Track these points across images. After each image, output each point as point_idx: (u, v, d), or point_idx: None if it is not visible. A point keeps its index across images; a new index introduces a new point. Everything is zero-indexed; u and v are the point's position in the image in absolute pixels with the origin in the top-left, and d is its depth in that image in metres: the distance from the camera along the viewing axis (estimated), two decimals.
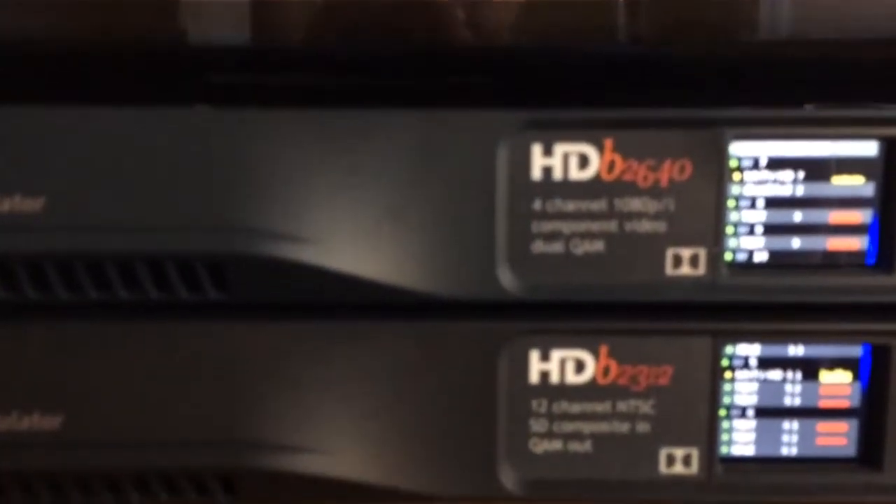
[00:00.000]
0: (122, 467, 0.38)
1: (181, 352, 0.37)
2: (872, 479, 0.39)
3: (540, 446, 0.39)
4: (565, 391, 0.38)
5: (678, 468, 0.39)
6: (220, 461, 0.38)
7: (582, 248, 0.37)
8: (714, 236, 0.37)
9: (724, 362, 0.39)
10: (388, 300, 0.37)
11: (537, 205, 0.37)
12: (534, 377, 0.38)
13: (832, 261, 0.38)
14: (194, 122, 0.35)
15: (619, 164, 0.36)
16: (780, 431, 0.39)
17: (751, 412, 0.39)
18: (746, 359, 0.39)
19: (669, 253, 0.37)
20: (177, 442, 0.38)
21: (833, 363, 0.39)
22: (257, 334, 0.37)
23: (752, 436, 0.39)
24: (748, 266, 0.38)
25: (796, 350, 0.39)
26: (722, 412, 0.39)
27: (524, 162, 0.36)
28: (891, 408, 0.38)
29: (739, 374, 0.39)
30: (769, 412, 0.39)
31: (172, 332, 0.37)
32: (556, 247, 0.37)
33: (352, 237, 0.36)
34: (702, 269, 0.37)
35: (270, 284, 0.36)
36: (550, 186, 0.37)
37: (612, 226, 0.37)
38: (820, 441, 0.39)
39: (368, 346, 0.37)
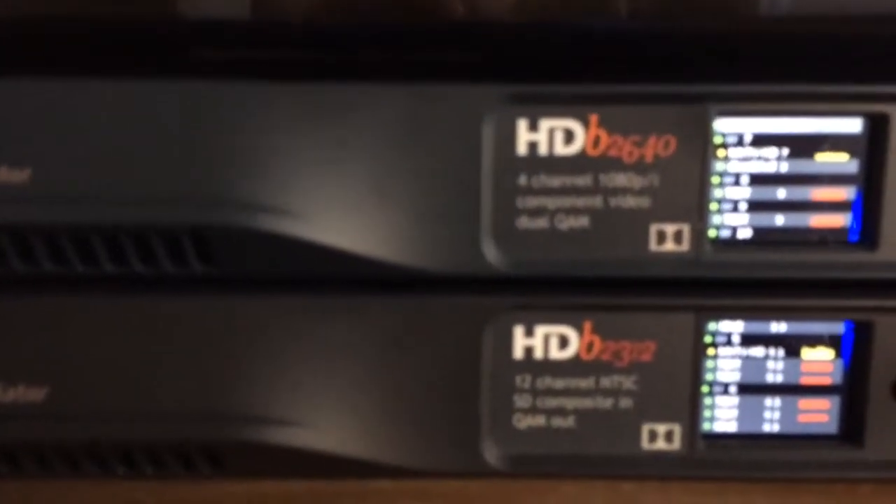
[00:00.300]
0: (108, 440, 0.38)
1: (167, 325, 0.37)
2: (854, 455, 0.39)
3: (523, 422, 0.39)
4: (549, 367, 0.39)
5: (660, 444, 0.39)
6: (206, 435, 0.38)
7: (567, 223, 0.37)
8: (698, 213, 0.37)
9: (708, 339, 0.39)
10: (373, 274, 0.37)
11: (522, 180, 0.37)
12: (518, 353, 0.39)
13: (816, 238, 0.38)
14: (181, 94, 0.35)
15: (605, 139, 0.36)
16: (763, 408, 0.40)
17: (733, 389, 0.39)
18: (729, 335, 0.39)
19: (653, 229, 0.37)
20: (162, 415, 0.38)
21: (815, 340, 0.39)
22: (243, 308, 0.37)
23: (735, 412, 0.40)
24: (732, 242, 0.38)
25: (779, 327, 0.39)
26: (705, 388, 0.39)
27: (510, 137, 0.36)
28: (872, 385, 0.38)
29: (722, 350, 0.39)
30: (752, 389, 0.39)
31: (158, 306, 0.37)
32: (541, 222, 0.37)
33: (337, 211, 0.36)
34: (685, 246, 0.37)
35: (256, 258, 0.36)
36: (536, 162, 0.37)
37: (596, 201, 0.37)
38: (802, 418, 0.40)
39: (353, 320, 0.37)
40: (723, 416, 0.40)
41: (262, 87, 0.35)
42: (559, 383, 0.39)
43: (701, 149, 0.36)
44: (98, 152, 0.36)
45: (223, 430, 0.38)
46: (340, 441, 0.38)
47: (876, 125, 0.36)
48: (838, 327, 0.39)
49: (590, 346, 0.39)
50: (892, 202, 0.36)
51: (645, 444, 0.39)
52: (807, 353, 0.39)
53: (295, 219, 0.36)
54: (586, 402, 0.39)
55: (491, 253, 0.37)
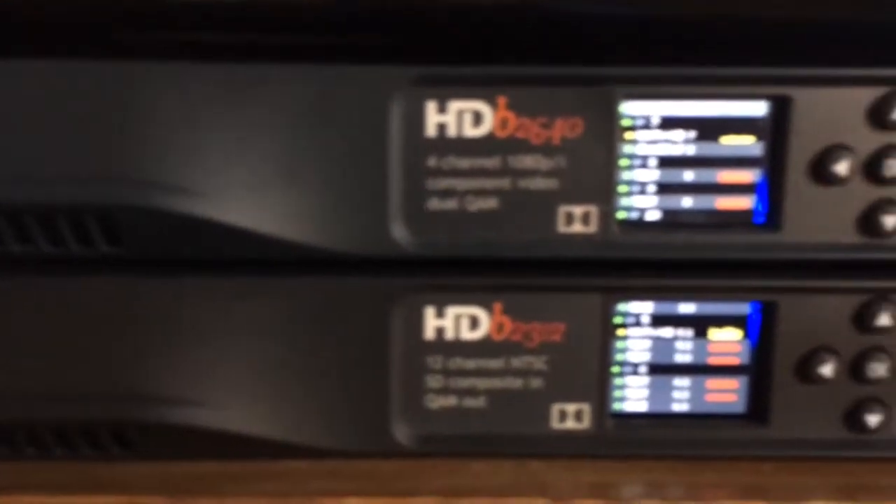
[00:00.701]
0: (15, 421, 0.38)
1: (74, 306, 0.37)
2: (760, 434, 0.40)
3: (435, 402, 0.39)
4: (460, 347, 0.39)
5: (570, 423, 0.40)
6: (114, 416, 0.38)
7: (476, 205, 0.37)
8: (606, 194, 0.37)
9: (617, 319, 0.39)
10: (282, 255, 0.37)
11: (432, 162, 0.37)
12: (429, 333, 0.39)
13: (722, 219, 0.38)
14: (87, 74, 0.35)
15: (513, 121, 0.37)
16: (672, 388, 0.40)
17: (643, 369, 0.40)
18: (638, 316, 0.40)
19: (561, 210, 0.38)
20: (71, 396, 0.38)
21: (723, 321, 0.40)
22: (151, 289, 0.37)
23: (645, 392, 0.40)
24: (640, 224, 0.38)
25: (687, 308, 0.39)
26: (615, 369, 0.40)
27: (418, 119, 0.37)
28: (777, 365, 0.39)
29: (632, 331, 0.40)
30: (661, 369, 0.40)
31: (65, 287, 0.37)
32: (451, 204, 0.37)
33: (245, 192, 0.36)
34: (593, 227, 0.38)
35: (164, 239, 0.36)
36: (444, 143, 0.37)
37: (505, 183, 0.37)
38: (710, 397, 0.40)
39: (263, 301, 0.38)
40: (632, 395, 0.40)
41: (169, 68, 0.35)
42: (470, 364, 0.39)
43: (608, 131, 0.37)
44: (4, 135, 0.36)
45: (132, 411, 0.38)
46: (251, 422, 0.38)
47: (779, 108, 0.37)
48: (745, 308, 0.39)
49: (500, 327, 0.39)
50: (794, 184, 0.37)
51: (555, 423, 0.40)
52: (714, 333, 0.40)
53: (202, 200, 0.36)
54: (497, 383, 0.39)
55: (400, 234, 0.37)
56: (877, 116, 0.36)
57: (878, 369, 0.39)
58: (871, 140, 0.37)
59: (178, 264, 0.37)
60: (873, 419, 0.39)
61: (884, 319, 0.38)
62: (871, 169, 0.37)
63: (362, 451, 0.39)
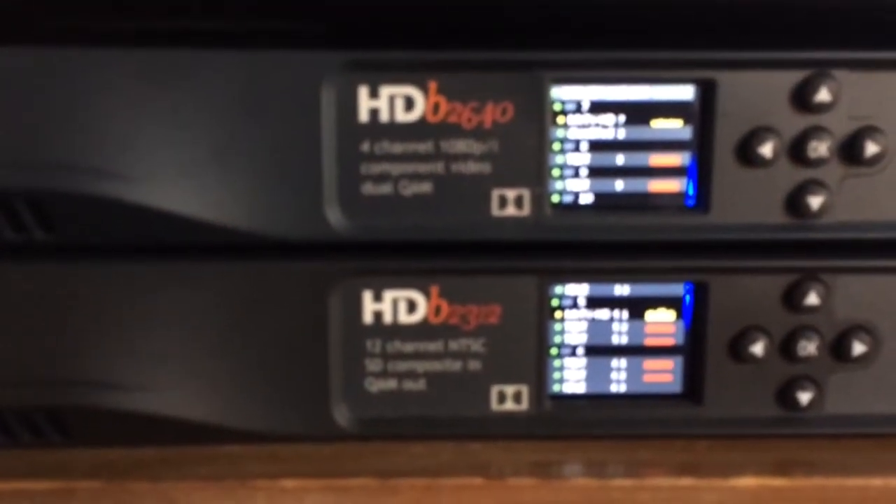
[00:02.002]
0: None
1: (8, 293, 0.37)
2: (695, 412, 0.40)
3: (375, 385, 0.40)
4: (398, 331, 0.39)
5: (509, 405, 0.40)
6: (50, 401, 0.38)
7: (410, 189, 0.38)
8: (538, 178, 0.38)
9: (554, 302, 0.40)
10: (217, 240, 0.37)
11: (365, 147, 0.37)
12: (367, 317, 0.39)
13: (654, 202, 0.39)
14: (15, 60, 0.35)
15: (444, 106, 0.37)
16: (609, 369, 0.41)
17: (581, 350, 0.41)
18: (575, 299, 0.40)
19: (495, 194, 0.38)
20: (6, 382, 0.38)
21: (657, 302, 0.40)
22: (85, 275, 0.37)
23: (583, 373, 0.41)
24: (573, 207, 0.39)
25: (622, 290, 0.40)
26: (552, 351, 0.40)
27: (351, 104, 0.37)
28: (709, 344, 0.40)
29: (568, 313, 0.40)
30: (598, 350, 0.41)
31: (1, 273, 0.37)
32: (385, 188, 0.38)
33: (177, 176, 0.36)
34: (527, 210, 0.38)
35: (97, 225, 0.37)
36: (377, 128, 0.37)
37: (438, 167, 0.38)
38: (647, 378, 0.41)
39: (197, 286, 0.38)
40: (571, 377, 0.41)
41: (99, 53, 0.35)
42: (409, 347, 0.40)
43: (539, 116, 0.37)
44: None
45: (68, 397, 0.38)
46: (188, 406, 0.39)
47: (705, 91, 0.37)
48: (679, 289, 0.40)
49: (437, 310, 0.39)
50: (721, 167, 0.38)
51: (494, 405, 0.40)
52: (650, 314, 0.40)
53: (136, 185, 0.36)
54: (436, 365, 0.40)
55: (335, 219, 0.38)
56: (800, 99, 0.37)
57: (808, 347, 0.39)
58: (795, 122, 0.37)
59: (113, 250, 0.37)
60: (804, 397, 0.40)
61: (812, 299, 0.39)
62: (795, 151, 0.37)
63: (303, 434, 0.40)
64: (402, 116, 0.37)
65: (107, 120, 0.36)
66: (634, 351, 0.41)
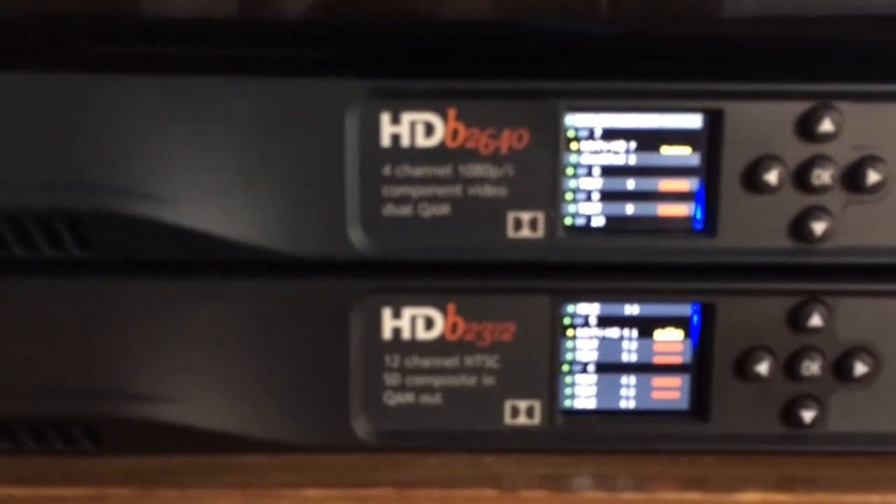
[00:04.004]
0: None
1: (46, 306, 0.39)
2: (701, 429, 0.42)
3: (393, 399, 0.41)
4: (416, 347, 0.41)
5: (522, 419, 0.42)
6: (83, 411, 0.40)
7: (429, 211, 0.39)
8: (552, 201, 0.39)
9: (566, 321, 0.41)
10: (244, 258, 0.39)
11: (387, 170, 0.39)
12: (386, 333, 0.41)
13: (663, 225, 0.40)
14: (58, 86, 0.37)
15: (463, 132, 0.39)
16: (619, 386, 0.42)
17: (591, 367, 0.42)
18: (586, 317, 0.42)
19: (510, 216, 0.40)
20: (42, 392, 0.40)
21: (666, 322, 0.42)
22: (119, 290, 0.39)
23: (593, 390, 0.42)
24: (585, 230, 0.40)
25: (632, 309, 0.41)
26: (564, 367, 0.42)
27: (374, 129, 0.39)
28: (716, 363, 0.41)
29: (580, 331, 0.42)
30: (608, 367, 0.42)
31: (38, 289, 0.39)
32: (405, 210, 0.39)
33: (208, 197, 0.38)
34: (541, 232, 0.40)
35: (131, 242, 0.38)
36: (399, 153, 0.39)
37: (456, 190, 0.39)
38: (655, 395, 0.42)
39: (227, 302, 0.39)
40: (581, 393, 0.42)
41: (135, 80, 0.37)
42: (426, 362, 0.41)
43: (553, 142, 0.39)
44: None
45: (101, 408, 0.40)
46: (215, 417, 0.40)
47: (713, 120, 0.39)
48: (686, 309, 0.41)
49: (454, 327, 0.41)
50: (728, 192, 0.39)
51: (507, 419, 0.42)
52: (658, 334, 0.42)
53: (168, 205, 0.38)
54: (452, 380, 0.41)
55: (358, 238, 0.39)
56: (804, 129, 0.38)
57: (812, 367, 0.41)
58: (799, 151, 0.39)
59: (146, 267, 0.39)
60: (808, 415, 0.41)
61: (816, 320, 0.40)
62: (799, 178, 0.39)
63: (324, 445, 0.41)
64: (422, 142, 0.39)
65: (141, 144, 0.38)
66: (643, 368, 0.42)
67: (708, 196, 0.40)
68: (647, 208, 0.40)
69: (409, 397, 0.41)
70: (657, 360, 0.42)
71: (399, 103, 0.38)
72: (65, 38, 0.37)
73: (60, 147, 0.37)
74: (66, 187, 0.38)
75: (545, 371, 0.41)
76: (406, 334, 0.41)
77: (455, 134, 0.39)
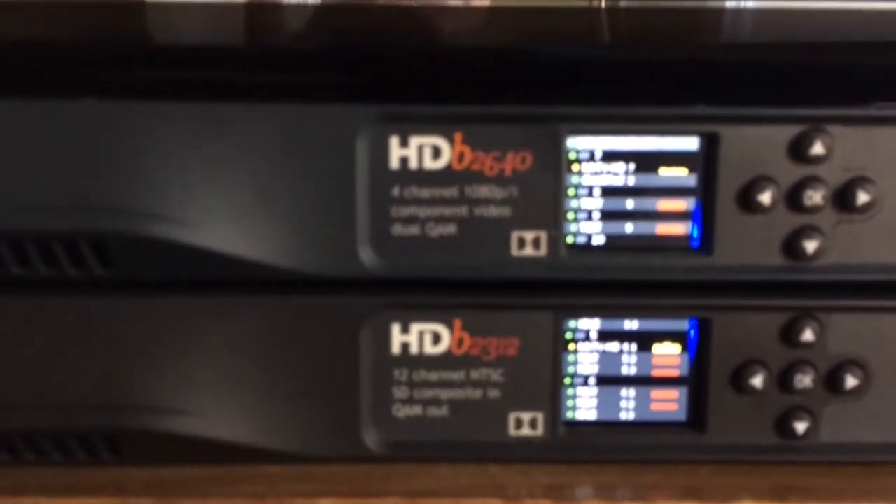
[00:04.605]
0: (15, 429, 0.41)
1: (70, 323, 0.41)
2: (698, 440, 0.43)
3: (401, 411, 0.43)
4: (424, 361, 0.42)
5: (525, 430, 0.43)
6: (106, 424, 0.41)
7: (436, 230, 0.41)
8: (554, 221, 0.41)
9: (568, 335, 0.43)
10: (259, 277, 0.40)
11: (396, 191, 0.41)
12: (395, 348, 0.42)
13: (661, 244, 0.42)
14: (81, 112, 0.39)
15: (468, 155, 0.40)
16: (619, 398, 0.44)
17: (592, 380, 0.44)
18: (587, 332, 0.43)
19: (514, 235, 0.41)
20: (66, 406, 0.41)
21: (664, 336, 0.43)
22: (140, 308, 0.41)
23: (594, 402, 0.44)
24: (586, 248, 0.42)
25: (631, 324, 0.43)
26: (566, 380, 0.43)
27: (383, 152, 0.40)
28: (712, 376, 0.42)
29: (581, 346, 0.43)
30: (608, 381, 0.44)
31: (62, 306, 0.40)
32: (413, 229, 0.41)
33: (225, 219, 0.40)
34: (543, 251, 0.41)
35: (151, 262, 0.40)
36: (407, 175, 0.40)
37: (462, 211, 0.41)
38: (654, 407, 0.44)
39: (243, 319, 0.41)
40: (583, 405, 0.44)
41: (154, 107, 0.39)
42: (433, 376, 0.43)
43: (555, 164, 0.40)
44: (3, 165, 0.39)
45: (123, 421, 0.41)
46: (232, 429, 0.42)
47: (710, 143, 0.40)
48: (684, 324, 0.43)
49: (460, 342, 0.42)
50: (724, 212, 0.41)
51: (512, 430, 0.43)
52: (657, 348, 0.43)
53: (187, 226, 0.40)
54: (458, 393, 0.43)
55: (368, 257, 0.41)
56: (797, 151, 0.40)
57: (804, 380, 0.42)
58: (792, 172, 0.40)
59: (166, 285, 0.41)
60: (801, 426, 0.43)
61: (808, 335, 0.42)
62: (792, 198, 0.40)
63: (335, 456, 0.43)
64: (429, 164, 0.40)
65: (161, 168, 0.39)
66: (642, 381, 0.44)
67: (704, 215, 0.41)
68: (645, 227, 0.42)
69: (417, 409, 0.43)
70: (656, 373, 0.43)
71: (407, 127, 0.40)
72: (90, 66, 0.39)
73: (83, 171, 0.39)
74: (90, 210, 0.39)
75: (548, 384, 0.43)
76: (414, 349, 0.42)
77: (461, 157, 0.40)
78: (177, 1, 0.38)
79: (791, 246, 0.41)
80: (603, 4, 0.39)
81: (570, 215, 0.42)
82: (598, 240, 0.42)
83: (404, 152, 0.40)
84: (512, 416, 0.43)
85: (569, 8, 0.39)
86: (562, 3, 0.39)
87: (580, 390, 0.43)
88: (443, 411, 0.43)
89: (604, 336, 0.43)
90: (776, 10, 0.39)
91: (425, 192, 0.41)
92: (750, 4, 0.39)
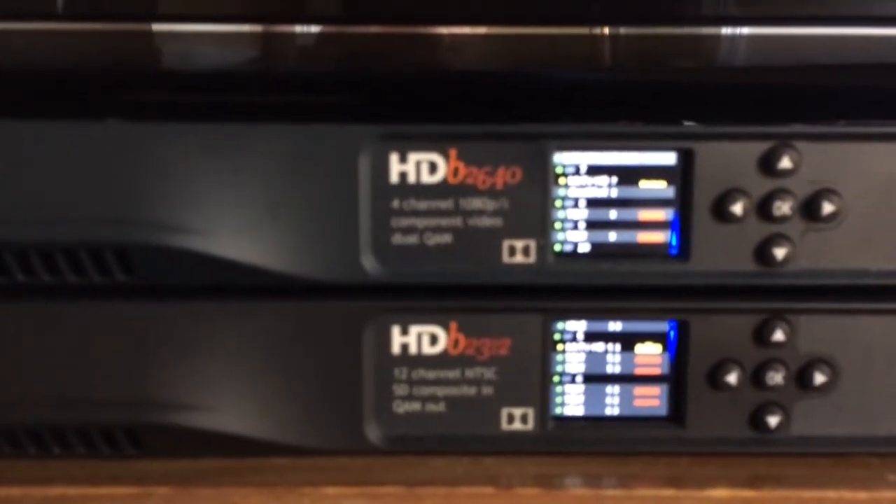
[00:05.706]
0: (44, 423, 0.44)
1: (95, 326, 0.43)
2: (678, 433, 0.45)
3: (401, 407, 0.45)
4: (422, 360, 0.45)
5: (517, 425, 0.45)
6: (128, 418, 0.44)
7: (433, 239, 0.44)
8: (542, 230, 0.43)
9: (556, 336, 0.45)
10: (270, 283, 0.43)
11: (395, 204, 0.43)
12: (395, 349, 0.45)
13: (642, 251, 0.44)
14: (106, 133, 0.42)
15: (462, 170, 0.43)
16: (604, 394, 0.46)
17: (579, 378, 0.46)
18: (574, 333, 0.45)
19: (505, 244, 0.44)
20: (91, 402, 0.44)
21: (646, 337, 0.45)
22: (160, 312, 0.43)
23: (581, 398, 0.46)
24: (573, 255, 0.44)
25: (615, 326, 0.45)
26: (555, 378, 0.46)
27: (383, 168, 0.43)
28: (691, 374, 0.45)
29: (569, 346, 0.46)
30: (594, 378, 0.46)
31: (88, 310, 0.43)
32: (412, 239, 0.44)
33: (239, 230, 0.42)
34: (533, 258, 0.44)
35: (170, 269, 0.43)
36: (406, 188, 0.43)
37: (457, 221, 0.43)
38: (637, 402, 0.46)
39: (253, 321, 0.44)
40: (570, 401, 0.46)
41: (173, 127, 0.42)
42: (431, 374, 0.45)
43: (543, 177, 0.43)
44: (36, 181, 0.42)
45: (143, 416, 0.44)
46: (245, 424, 0.44)
47: (686, 158, 0.43)
48: (664, 326, 0.45)
49: (456, 343, 0.45)
50: (700, 222, 0.43)
51: (504, 425, 0.45)
52: (639, 348, 0.46)
53: (202, 237, 0.42)
54: (454, 391, 0.45)
55: (370, 265, 0.44)
56: (766, 165, 0.42)
57: (776, 378, 0.44)
58: (762, 185, 0.42)
59: (183, 291, 0.43)
60: (773, 420, 0.45)
61: (779, 335, 0.44)
62: (762, 209, 0.43)
63: (340, 449, 0.45)
64: (426, 178, 0.43)
65: (179, 183, 0.42)
66: (626, 379, 0.46)
67: (682, 225, 0.44)
68: (627, 236, 0.44)
69: (415, 406, 0.45)
70: (638, 371, 0.46)
71: (406, 145, 0.43)
72: (112, 88, 0.42)
73: (107, 187, 0.42)
74: (114, 222, 0.42)
75: (538, 381, 0.45)
76: (413, 349, 0.45)
77: (456, 171, 0.43)
78: (191, 30, 0.41)
79: (762, 253, 0.43)
80: (607, 31, 0.42)
81: (558, 225, 0.44)
82: (584, 248, 0.44)
83: (403, 168, 0.43)
84: (504, 412, 0.45)
85: (559, 35, 0.42)
86: (555, 31, 0.42)
87: (568, 387, 0.46)
88: (440, 407, 0.45)
89: (590, 337, 0.45)
90: (749, 36, 0.42)
91: (423, 205, 0.43)
92: (730, 31, 0.42)
